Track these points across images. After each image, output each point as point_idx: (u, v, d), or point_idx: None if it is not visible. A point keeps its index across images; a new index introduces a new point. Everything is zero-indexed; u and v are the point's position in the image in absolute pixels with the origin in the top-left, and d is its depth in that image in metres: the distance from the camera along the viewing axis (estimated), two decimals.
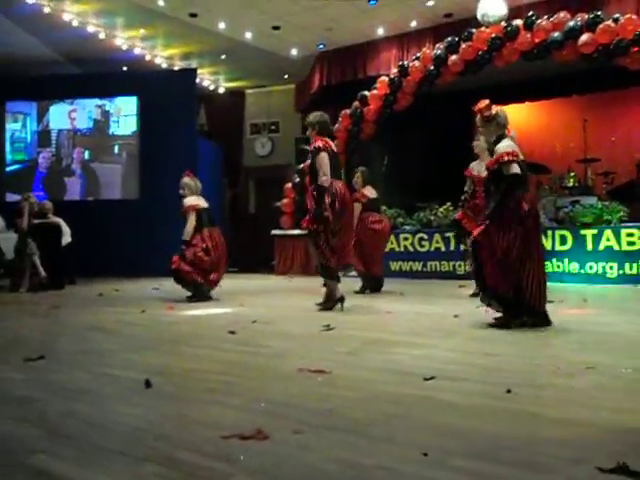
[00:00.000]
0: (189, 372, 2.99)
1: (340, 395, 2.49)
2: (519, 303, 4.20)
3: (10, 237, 8.36)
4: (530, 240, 4.17)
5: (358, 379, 2.78)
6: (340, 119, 10.45)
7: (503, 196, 4.15)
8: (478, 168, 6.20)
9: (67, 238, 9.01)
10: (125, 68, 11.95)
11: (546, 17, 8.34)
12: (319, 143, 5.46)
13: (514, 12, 8.77)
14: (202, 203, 6.52)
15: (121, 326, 4.64)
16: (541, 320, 4.23)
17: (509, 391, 2.46)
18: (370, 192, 7.25)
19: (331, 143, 5.59)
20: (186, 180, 6.62)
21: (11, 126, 11.63)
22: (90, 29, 10.09)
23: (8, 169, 11.62)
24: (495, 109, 4.37)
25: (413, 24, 10.07)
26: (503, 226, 4.14)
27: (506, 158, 4.16)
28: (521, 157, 4.27)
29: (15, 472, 1.70)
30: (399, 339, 3.89)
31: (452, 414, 2.21)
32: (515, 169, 4.16)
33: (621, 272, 7.80)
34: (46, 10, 9.36)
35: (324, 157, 5.38)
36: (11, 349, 3.67)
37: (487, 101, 4.41)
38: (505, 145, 4.24)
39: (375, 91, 10.09)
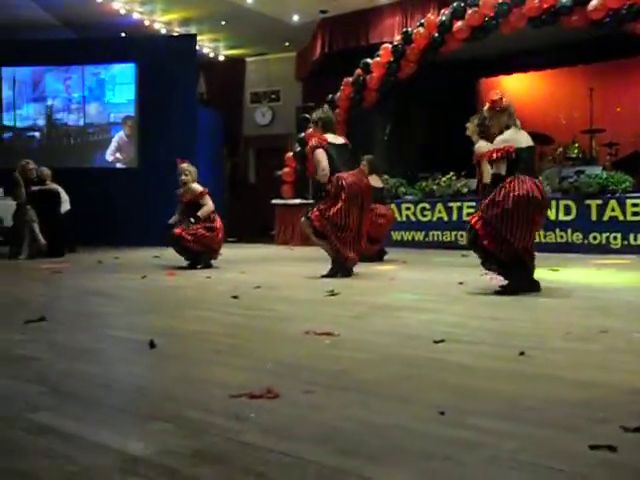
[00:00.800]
0: (194, 334, 2.93)
1: (349, 357, 2.43)
2: (520, 268, 4.19)
3: (8, 204, 8.27)
4: (524, 219, 4.11)
5: (366, 342, 2.72)
6: (342, 87, 10.28)
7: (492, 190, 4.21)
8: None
9: (66, 205, 8.90)
10: (123, 34, 11.71)
11: None
12: (312, 142, 5.47)
13: None
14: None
15: (122, 291, 4.58)
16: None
17: (522, 354, 2.41)
18: (375, 182, 7.14)
19: (328, 138, 5.45)
20: (185, 165, 6.57)
21: (7, 93, 11.43)
22: None
23: (4, 135, 11.46)
24: (506, 101, 4.41)
25: None
26: (496, 204, 4.10)
27: (494, 156, 4.21)
28: (524, 144, 4.27)
29: (17, 426, 1.63)
30: (405, 304, 3.83)
31: (466, 375, 2.15)
32: (500, 169, 4.18)
33: (625, 242, 7.74)
34: None
35: (320, 153, 5.32)
36: (11, 311, 3.62)
37: (499, 92, 4.49)
38: (502, 139, 4.25)
39: (378, 59, 9.90)
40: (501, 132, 4.35)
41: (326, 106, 6.43)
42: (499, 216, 4.06)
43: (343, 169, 5.33)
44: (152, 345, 2.57)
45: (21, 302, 4.06)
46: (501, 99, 4.41)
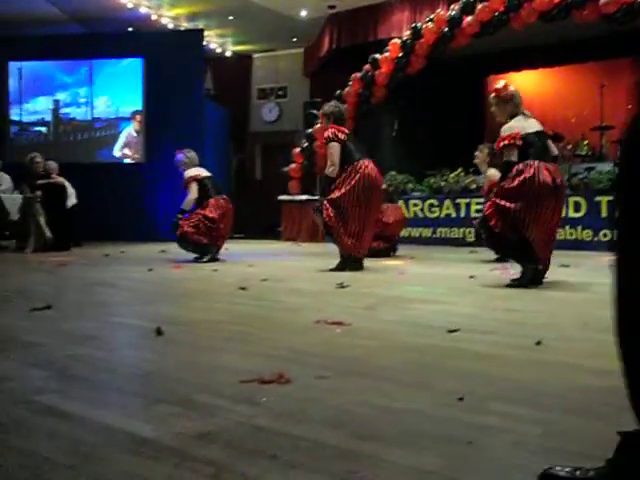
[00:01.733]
0: (202, 322, 2.87)
1: (363, 345, 2.37)
2: (526, 251, 4.12)
3: (14, 197, 8.23)
4: (535, 205, 4.04)
5: (379, 331, 2.66)
6: (350, 83, 10.21)
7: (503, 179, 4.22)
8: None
9: (72, 199, 8.87)
10: (130, 29, 11.68)
11: None
12: (328, 132, 5.32)
13: None
14: (203, 172, 6.42)
15: (129, 282, 4.53)
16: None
17: (539, 343, 2.34)
18: None
19: (344, 129, 5.40)
20: (179, 156, 6.52)
21: (14, 87, 11.40)
22: None
23: (11, 130, 11.44)
24: (511, 89, 4.35)
25: None
26: (509, 190, 4.07)
27: (501, 144, 4.18)
28: (532, 130, 4.20)
29: (23, 408, 1.58)
30: (416, 297, 3.77)
31: (483, 363, 2.09)
32: (512, 156, 4.12)
33: None
34: None
35: (334, 146, 5.23)
36: (17, 300, 3.57)
37: (504, 81, 4.44)
38: (507, 127, 4.21)
39: (387, 54, 9.82)
40: (507, 122, 4.32)
41: (334, 101, 6.35)
42: (512, 209, 4.01)
43: (358, 157, 5.26)
44: (159, 332, 2.51)
45: (27, 292, 4.00)
46: (505, 87, 4.35)
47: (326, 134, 5.36)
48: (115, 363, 2.09)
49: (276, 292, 3.98)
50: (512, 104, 4.31)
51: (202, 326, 2.80)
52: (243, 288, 4.00)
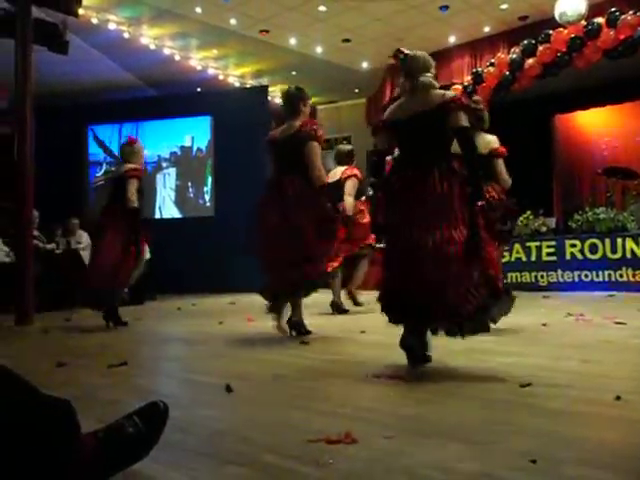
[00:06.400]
0: (270, 377, 2.89)
1: (429, 400, 2.33)
2: None
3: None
4: None
5: (446, 384, 2.61)
6: None
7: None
8: None
9: (146, 255, 9.18)
10: (199, 89, 12.22)
11: (631, 12, 7.91)
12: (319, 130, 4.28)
13: (594, 9, 8.37)
14: None
15: (200, 336, 4.62)
16: None
17: (619, 398, 2.23)
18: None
19: None
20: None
21: (92, 150, 12.08)
22: (166, 51, 10.38)
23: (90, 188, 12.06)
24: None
25: (486, 29, 9.80)
26: None
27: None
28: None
29: None
30: (486, 347, 3.67)
31: (558, 421, 2.01)
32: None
33: None
34: (126, 35, 9.69)
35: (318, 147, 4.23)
36: (96, 356, 3.71)
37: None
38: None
39: None
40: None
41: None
42: None
43: None
44: (229, 389, 2.55)
45: (104, 347, 4.16)
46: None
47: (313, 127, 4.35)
48: (187, 422, 2.13)
49: (341, 344, 3.97)
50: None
51: (270, 381, 2.83)
52: (305, 342, 4.00)
